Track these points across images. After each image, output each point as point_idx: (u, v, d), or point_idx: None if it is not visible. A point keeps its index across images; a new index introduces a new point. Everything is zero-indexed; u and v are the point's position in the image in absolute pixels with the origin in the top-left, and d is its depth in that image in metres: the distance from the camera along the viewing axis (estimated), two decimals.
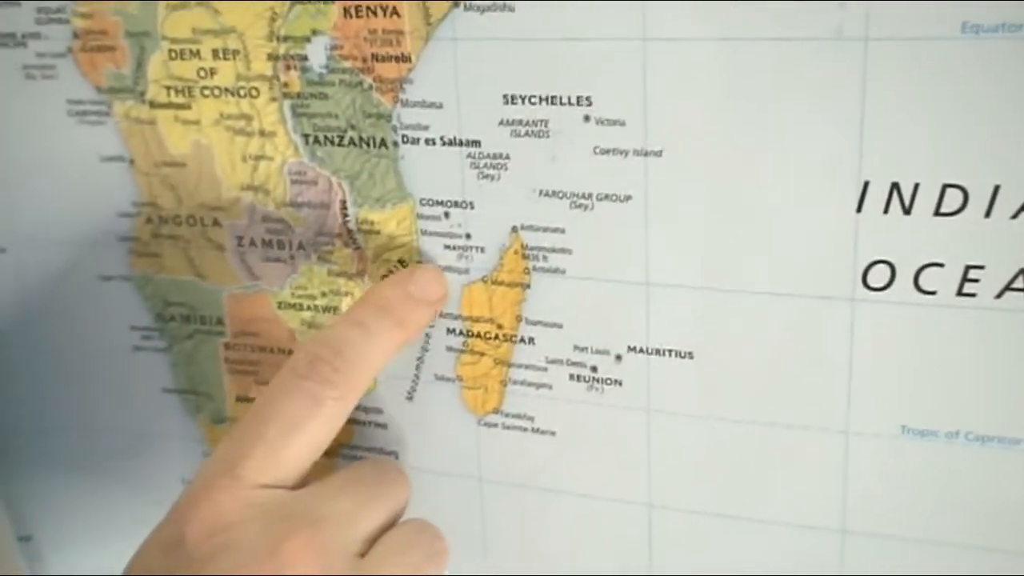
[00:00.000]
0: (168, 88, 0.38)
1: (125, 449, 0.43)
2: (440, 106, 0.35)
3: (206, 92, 0.38)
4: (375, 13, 0.35)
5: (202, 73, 0.37)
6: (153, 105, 0.38)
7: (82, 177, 0.39)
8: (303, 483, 0.34)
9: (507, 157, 0.34)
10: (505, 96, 0.34)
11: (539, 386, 0.37)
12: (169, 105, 0.38)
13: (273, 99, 0.37)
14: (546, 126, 0.34)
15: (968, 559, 0.32)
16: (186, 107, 0.38)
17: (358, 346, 0.34)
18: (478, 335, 0.37)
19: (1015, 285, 0.30)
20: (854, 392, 0.32)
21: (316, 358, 0.34)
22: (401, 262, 0.37)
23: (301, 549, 0.31)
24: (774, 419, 0.34)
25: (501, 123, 0.34)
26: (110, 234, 0.40)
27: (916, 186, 0.30)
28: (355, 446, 0.40)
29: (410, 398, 0.39)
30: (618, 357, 0.35)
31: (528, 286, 0.36)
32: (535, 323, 0.36)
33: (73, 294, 0.41)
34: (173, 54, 0.37)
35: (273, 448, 0.33)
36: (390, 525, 0.35)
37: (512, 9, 0.33)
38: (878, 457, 0.33)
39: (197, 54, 0.37)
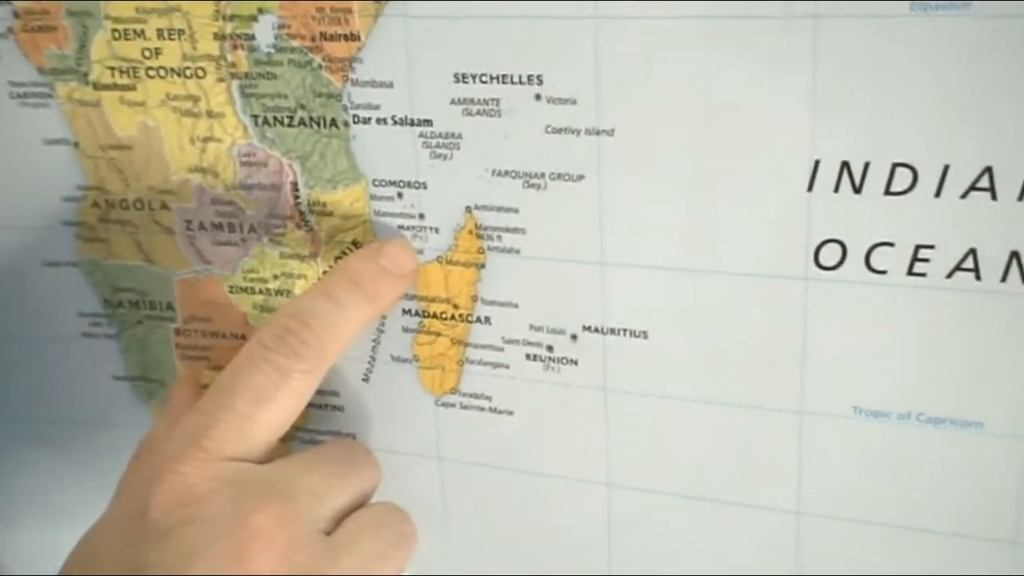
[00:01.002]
0: (112, 69, 0.37)
1: (76, 437, 0.42)
2: (391, 85, 0.34)
3: (151, 73, 0.37)
4: None
5: (147, 53, 0.37)
6: (97, 86, 0.37)
7: (25, 161, 0.39)
8: (268, 459, 0.34)
9: (459, 136, 0.34)
10: (456, 75, 0.33)
11: (496, 366, 0.36)
12: (114, 86, 0.37)
13: (221, 79, 0.36)
14: (497, 105, 0.33)
15: (923, 542, 0.32)
16: (131, 88, 0.37)
17: (327, 319, 0.34)
18: (434, 315, 0.37)
19: (965, 265, 0.30)
20: (807, 372, 0.32)
21: (284, 330, 0.34)
22: (355, 243, 0.37)
23: (270, 522, 0.31)
24: (728, 399, 0.34)
25: (453, 102, 0.34)
26: (55, 219, 0.39)
27: (866, 165, 0.30)
28: (312, 429, 0.40)
29: (367, 379, 0.38)
30: (574, 337, 0.35)
31: (483, 266, 0.35)
32: (491, 303, 0.36)
33: (19, 280, 0.40)
34: (117, 34, 0.37)
35: (240, 420, 0.33)
36: (358, 506, 0.35)
37: None
38: (831, 438, 0.33)
39: (142, 34, 0.36)
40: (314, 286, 0.35)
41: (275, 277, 0.38)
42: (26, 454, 0.43)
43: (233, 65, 0.36)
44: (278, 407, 0.33)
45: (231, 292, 0.39)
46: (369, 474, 0.36)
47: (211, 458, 0.32)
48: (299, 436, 0.40)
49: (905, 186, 0.30)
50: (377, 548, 0.34)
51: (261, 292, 0.39)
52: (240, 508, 0.31)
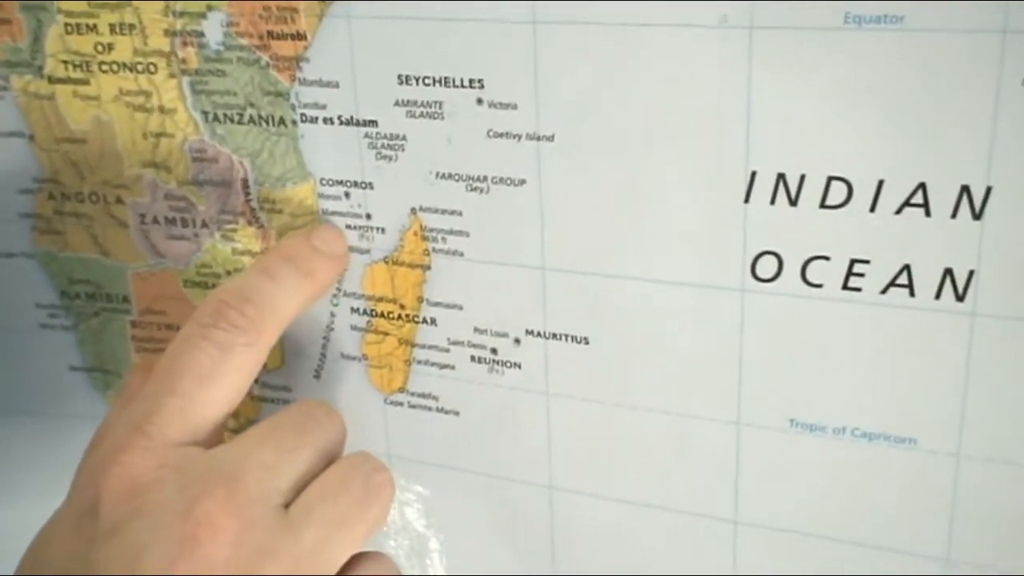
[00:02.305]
0: (66, 63, 0.37)
1: (32, 428, 0.43)
2: (337, 85, 0.34)
3: (104, 67, 0.37)
4: None
5: (100, 48, 0.37)
6: (52, 80, 0.37)
7: None
8: (219, 441, 0.33)
9: (404, 138, 0.34)
10: (400, 76, 0.33)
11: (442, 366, 0.36)
12: (68, 80, 0.37)
13: (172, 75, 0.36)
14: (440, 108, 0.33)
15: (856, 555, 0.32)
16: (85, 82, 0.37)
17: (265, 292, 0.33)
18: (381, 315, 0.37)
19: (899, 281, 0.29)
20: (744, 383, 0.32)
21: (222, 304, 0.33)
22: None
23: (217, 508, 0.30)
24: (667, 407, 0.33)
25: (397, 103, 0.34)
26: (11, 211, 0.39)
27: (802, 177, 0.29)
28: None
29: (317, 376, 0.38)
30: (517, 340, 0.35)
31: (428, 267, 0.35)
32: (436, 304, 0.36)
33: None
34: (70, 28, 0.37)
35: (183, 402, 0.32)
36: (324, 468, 0.33)
37: None
38: (768, 450, 0.32)
39: (94, 28, 0.36)
40: (249, 267, 0.35)
41: (227, 273, 0.38)
42: None
43: (183, 61, 0.36)
44: (222, 385, 0.32)
45: (185, 286, 0.39)
46: (330, 433, 0.34)
47: (155, 445, 0.31)
48: None
49: (840, 200, 0.29)
50: (340, 511, 0.32)
51: (214, 287, 0.39)
52: (186, 497, 0.30)
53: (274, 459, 0.32)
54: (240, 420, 0.40)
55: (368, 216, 0.36)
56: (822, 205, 0.29)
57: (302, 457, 0.32)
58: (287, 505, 0.31)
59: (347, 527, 0.32)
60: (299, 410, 0.34)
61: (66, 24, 0.37)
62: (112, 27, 0.36)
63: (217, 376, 0.32)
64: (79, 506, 0.32)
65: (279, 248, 0.35)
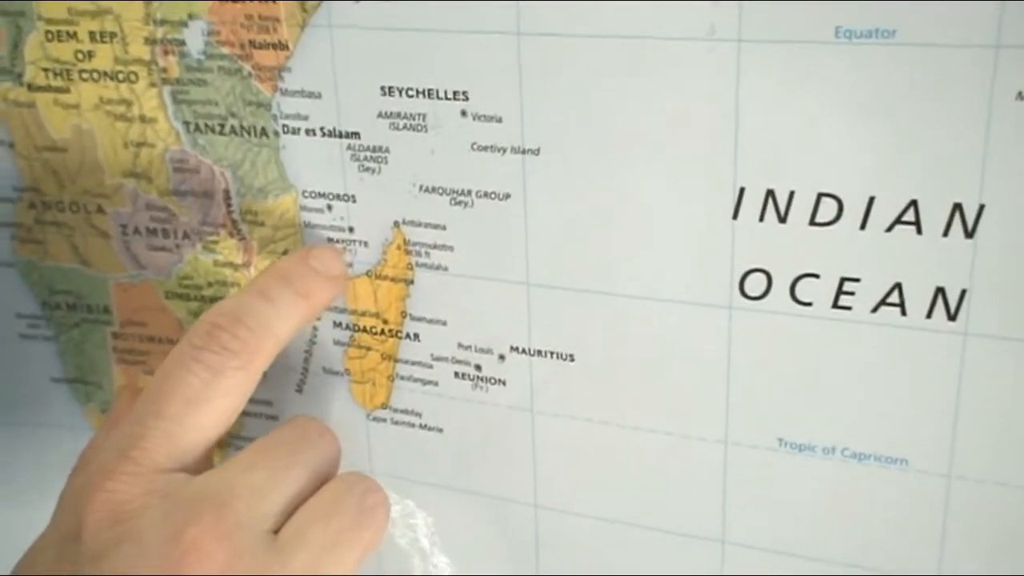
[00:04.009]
0: (46, 70, 0.36)
1: (13, 439, 0.42)
2: (319, 96, 0.34)
3: (85, 76, 0.36)
4: None
5: (80, 56, 0.36)
6: (32, 88, 0.37)
7: None
8: (208, 466, 0.32)
9: (387, 150, 0.33)
10: (383, 88, 0.33)
11: (426, 383, 0.36)
12: (48, 88, 0.37)
13: (152, 84, 0.35)
14: (424, 120, 0.32)
15: None
16: (65, 90, 0.37)
17: (259, 313, 0.32)
18: (364, 329, 0.36)
19: (890, 300, 0.29)
20: (732, 402, 0.31)
21: (214, 326, 0.32)
22: (286, 254, 0.36)
23: (204, 535, 0.29)
24: (654, 425, 0.33)
25: (380, 115, 0.33)
26: None
27: (791, 194, 0.29)
28: (246, 436, 0.39)
29: (300, 391, 0.38)
30: (501, 357, 0.34)
31: (412, 282, 0.35)
32: (419, 319, 0.35)
33: None
34: (50, 35, 0.36)
35: (172, 426, 0.31)
36: (316, 488, 0.32)
37: None
38: (756, 469, 0.32)
39: (74, 36, 0.36)
40: (245, 287, 0.34)
41: (209, 284, 0.38)
42: None
43: (164, 71, 0.35)
44: (212, 409, 0.31)
45: (167, 298, 0.39)
46: (323, 452, 0.33)
47: (141, 471, 0.30)
48: (233, 443, 0.39)
49: (830, 217, 0.29)
50: (331, 535, 0.31)
51: (196, 299, 0.38)
52: (173, 523, 0.29)
53: (264, 482, 0.31)
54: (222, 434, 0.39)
55: (351, 229, 0.35)
56: (812, 222, 0.29)
57: (293, 478, 0.32)
58: (278, 529, 0.31)
59: (339, 551, 0.31)
60: (292, 429, 0.34)
61: (46, 31, 0.36)
62: (92, 35, 0.35)
63: (207, 400, 0.31)
64: (63, 531, 0.31)
65: (275, 268, 0.34)
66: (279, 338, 0.33)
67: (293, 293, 0.34)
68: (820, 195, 0.28)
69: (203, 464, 0.32)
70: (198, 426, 0.31)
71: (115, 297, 0.39)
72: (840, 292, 0.29)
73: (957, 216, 0.27)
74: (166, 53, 0.35)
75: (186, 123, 0.36)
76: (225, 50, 0.34)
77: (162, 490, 0.30)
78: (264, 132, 0.35)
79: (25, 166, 0.38)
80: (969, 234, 0.27)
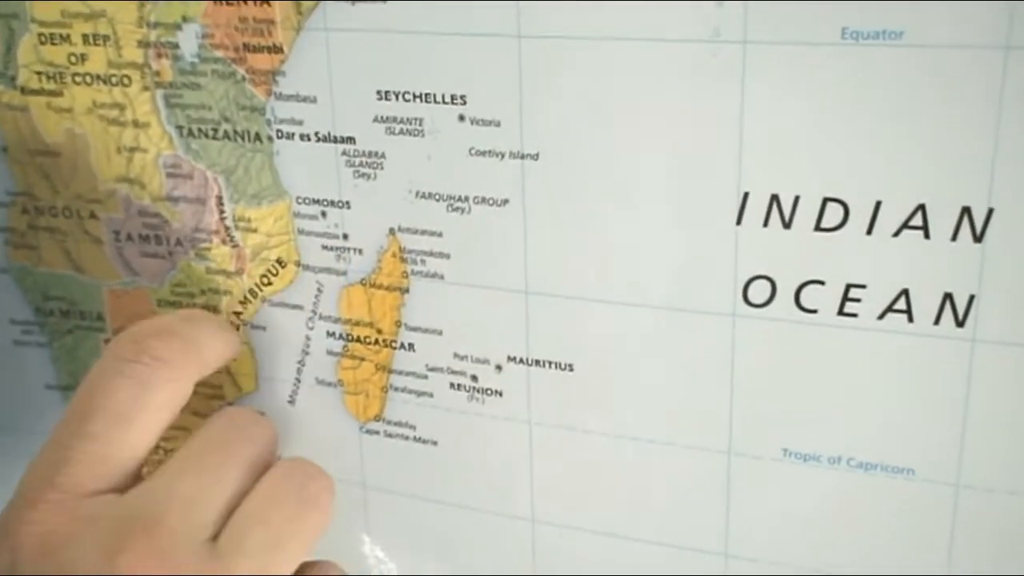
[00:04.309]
0: (39, 74, 0.36)
1: (6, 446, 0.41)
2: (314, 100, 0.33)
3: (78, 79, 0.36)
4: (245, 1, 0.33)
5: (73, 59, 0.35)
6: (25, 91, 0.36)
7: None
8: (139, 481, 0.31)
9: (382, 156, 0.33)
10: (379, 92, 0.32)
11: (420, 394, 0.35)
12: (41, 91, 0.36)
13: (145, 88, 0.35)
14: (421, 124, 0.32)
15: None
16: (59, 94, 0.36)
17: (189, 329, 0.32)
18: (358, 339, 0.35)
19: (897, 306, 0.28)
20: (735, 412, 0.31)
21: (142, 336, 0.31)
22: (279, 262, 0.35)
23: (138, 560, 0.28)
24: (655, 436, 0.32)
25: (376, 120, 0.32)
26: None
27: (796, 199, 0.28)
28: None
29: (292, 402, 0.37)
30: (498, 367, 0.34)
31: (407, 290, 0.34)
32: (415, 329, 0.34)
33: None
34: (43, 38, 0.35)
35: (98, 447, 0.29)
36: (256, 481, 0.31)
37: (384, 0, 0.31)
38: (760, 480, 0.31)
39: (68, 39, 0.35)
40: (170, 313, 0.34)
41: (202, 292, 0.37)
42: None
43: (158, 74, 0.35)
44: (141, 424, 0.30)
45: (160, 305, 0.38)
46: (257, 443, 0.32)
47: (66, 498, 0.29)
48: None
49: (836, 222, 0.28)
50: (274, 532, 0.30)
51: (189, 307, 0.37)
52: (104, 551, 0.28)
53: (195, 490, 0.30)
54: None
55: (345, 236, 0.34)
56: (817, 228, 0.28)
57: (226, 480, 0.30)
58: (218, 534, 0.29)
59: (283, 548, 0.30)
60: (220, 423, 0.32)
61: (39, 34, 0.35)
62: (86, 37, 0.35)
63: (136, 415, 0.30)
64: (2, 562, 0.29)
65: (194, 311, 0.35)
66: (211, 355, 0.32)
67: (215, 325, 0.34)
68: (826, 200, 0.28)
69: (133, 480, 0.31)
70: (127, 444, 0.30)
71: (108, 304, 0.38)
72: (846, 299, 0.29)
73: (966, 220, 0.27)
74: (159, 56, 0.34)
75: (179, 127, 0.35)
76: (219, 53, 0.34)
77: (89, 515, 0.29)
78: (258, 137, 0.34)
79: (19, 170, 0.37)
80: (978, 238, 0.27)
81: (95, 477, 0.29)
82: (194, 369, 0.31)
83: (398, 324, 0.34)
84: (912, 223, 0.27)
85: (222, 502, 0.30)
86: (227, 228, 0.36)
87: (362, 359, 0.35)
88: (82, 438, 0.30)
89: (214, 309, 0.37)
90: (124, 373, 0.30)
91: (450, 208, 0.32)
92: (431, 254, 0.33)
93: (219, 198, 0.35)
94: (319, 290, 0.35)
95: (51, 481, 0.29)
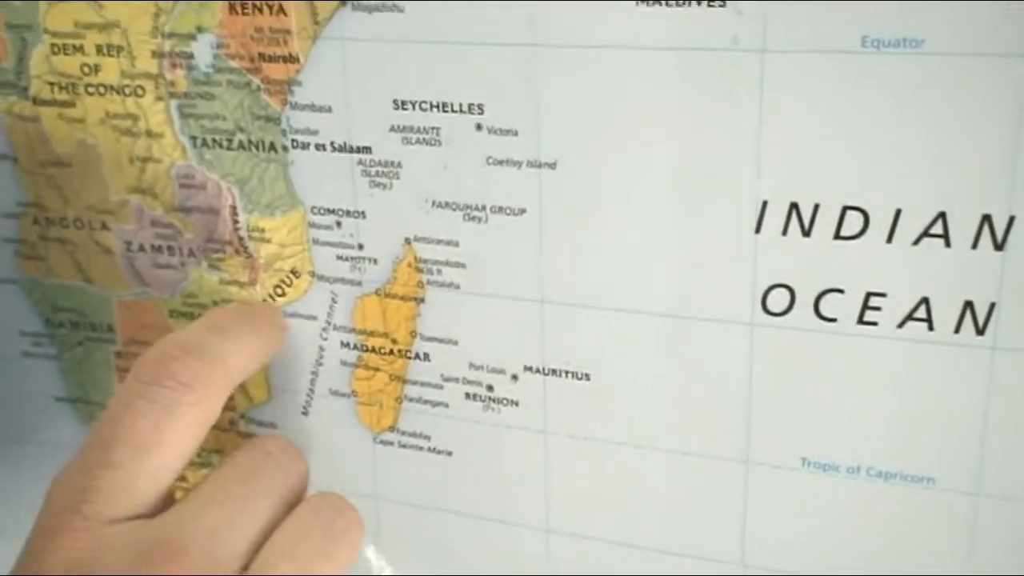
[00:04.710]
0: (52, 84, 0.36)
1: (15, 458, 0.41)
2: (329, 110, 0.33)
3: (91, 90, 0.36)
4: (261, 10, 0.33)
5: (86, 69, 0.35)
6: (37, 101, 0.36)
7: None
8: (168, 503, 0.30)
9: (398, 165, 0.33)
10: (395, 101, 0.32)
11: (435, 404, 0.35)
12: (53, 102, 0.36)
13: (159, 98, 0.35)
14: (438, 134, 0.32)
15: None
16: (71, 105, 0.36)
17: (215, 345, 0.31)
18: (372, 350, 0.35)
19: (917, 315, 0.28)
20: (753, 421, 0.31)
21: (165, 357, 0.30)
22: (294, 272, 0.35)
23: None
24: (672, 446, 0.32)
25: (392, 129, 0.32)
26: None
27: (816, 207, 0.28)
28: None
29: (305, 412, 0.37)
30: (514, 377, 0.33)
31: (422, 300, 0.34)
32: (430, 339, 0.34)
33: None
34: (56, 48, 0.35)
35: (121, 475, 0.29)
36: (287, 512, 0.31)
37: (401, 10, 0.31)
38: (778, 490, 0.31)
39: (81, 49, 0.35)
40: (194, 322, 0.33)
41: (214, 303, 0.37)
42: None
43: (172, 84, 0.35)
44: (164, 451, 0.29)
45: (171, 317, 0.38)
46: (289, 474, 0.32)
47: (92, 525, 0.29)
48: None
49: (856, 230, 0.28)
50: (302, 567, 0.29)
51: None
52: None
53: (224, 521, 0.29)
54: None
55: (360, 246, 0.34)
56: (837, 236, 0.28)
57: (258, 509, 0.30)
58: (247, 565, 0.29)
59: None
60: (250, 453, 0.32)
61: (52, 44, 0.35)
62: (99, 48, 0.35)
63: (159, 442, 0.29)
64: None
65: (229, 306, 0.34)
66: (235, 372, 0.31)
67: (249, 326, 0.33)
68: (845, 208, 0.28)
69: (161, 505, 0.30)
70: (150, 471, 0.30)
71: (119, 315, 0.38)
72: (866, 307, 0.28)
73: (986, 228, 0.27)
74: (174, 66, 0.34)
75: (193, 138, 0.35)
76: (234, 63, 0.34)
77: (113, 543, 0.29)
78: (272, 147, 0.34)
79: (29, 181, 0.37)
80: (999, 246, 0.27)
81: (119, 505, 0.29)
82: (220, 389, 0.31)
83: (413, 334, 0.34)
84: (932, 231, 0.27)
85: (251, 534, 0.30)
86: (240, 238, 0.36)
87: (376, 369, 0.35)
88: (105, 467, 0.29)
89: None
90: (146, 397, 0.30)
91: (466, 217, 0.32)
92: (447, 264, 0.33)
93: (233, 208, 0.35)
94: (333, 300, 0.35)
95: (76, 509, 0.29)
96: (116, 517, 0.29)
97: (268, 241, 0.35)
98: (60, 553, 0.28)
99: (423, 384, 0.35)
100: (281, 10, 0.32)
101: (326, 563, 0.30)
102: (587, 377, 0.32)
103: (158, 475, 0.30)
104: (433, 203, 0.33)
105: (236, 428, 0.38)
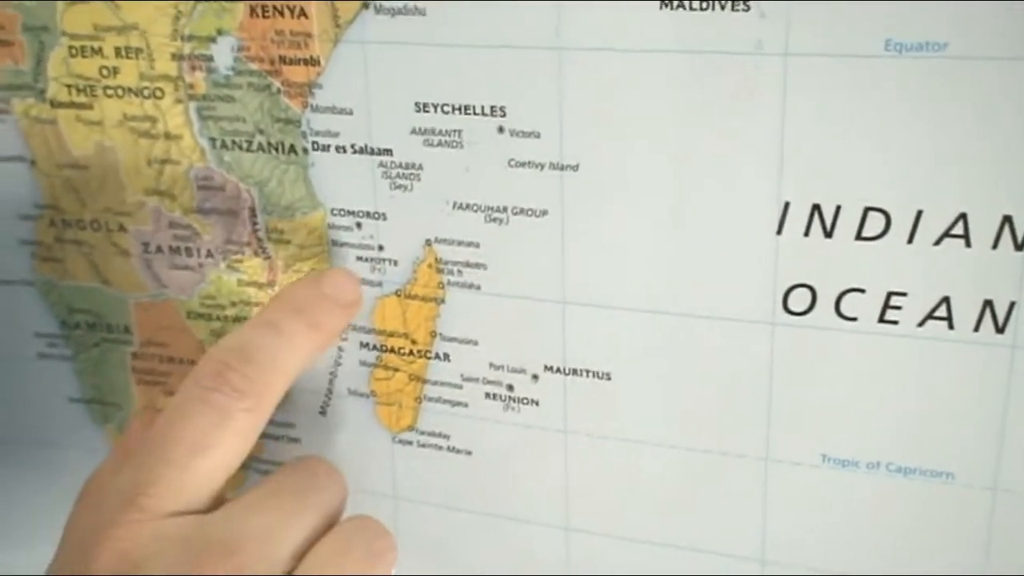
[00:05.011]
0: (70, 87, 0.36)
1: (30, 459, 0.41)
2: (350, 112, 0.33)
3: (109, 92, 0.36)
4: (282, 13, 0.33)
5: (104, 72, 0.35)
6: (54, 104, 0.36)
7: None
8: (218, 503, 0.32)
9: (420, 167, 0.33)
10: (417, 104, 0.32)
11: (455, 404, 0.35)
12: (71, 104, 0.36)
13: (178, 101, 0.35)
14: (459, 136, 0.32)
15: None
16: (88, 107, 0.36)
17: (269, 350, 0.32)
18: (392, 350, 0.35)
19: (938, 314, 0.28)
20: (774, 419, 0.31)
21: (223, 365, 0.31)
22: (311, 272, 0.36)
23: None
24: (692, 444, 0.32)
25: (413, 132, 0.33)
26: (11, 237, 0.38)
27: (838, 208, 0.29)
28: (267, 460, 0.38)
29: (323, 413, 0.37)
30: (535, 376, 0.34)
31: (443, 301, 0.34)
32: (450, 339, 0.34)
33: None
34: (74, 51, 0.36)
35: (180, 472, 0.30)
36: (325, 530, 0.32)
37: (423, 12, 0.31)
38: (798, 486, 0.31)
39: (99, 51, 0.35)
40: (254, 317, 0.34)
41: (232, 304, 0.37)
42: None
43: (191, 87, 0.35)
44: (220, 452, 0.31)
45: (188, 318, 0.38)
46: (331, 495, 0.33)
47: (150, 517, 0.30)
48: (254, 466, 0.39)
49: (877, 231, 0.28)
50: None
51: (218, 319, 0.37)
52: (187, 569, 0.29)
53: (275, 526, 0.31)
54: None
55: (380, 248, 0.34)
56: (858, 236, 0.29)
57: (304, 522, 0.31)
58: (289, 573, 0.30)
59: None
60: (299, 471, 0.33)
61: (70, 47, 0.35)
62: (118, 51, 0.35)
63: (214, 445, 0.31)
64: (72, 572, 0.30)
65: (286, 296, 0.34)
66: (289, 373, 0.32)
67: (305, 325, 0.33)
68: (867, 209, 0.28)
69: (213, 503, 0.31)
70: (206, 470, 0.31)
71: (135, 317, 0.38)
72: (887, 307, 0.29)
73: (1007, 229, 0.27)
74: (193, 69, 0.34)
75: (212, 140, 0.35)
76: (254, 66, 0.34)
77: (170, 535, 0.30)
78: (292, 149, 0.34)
79: (46, 183, 0.37)
80: (1019, 247, 0.27)
81: (176, 500, 0.30)
82: (273, 393, 0.32)
83: (433, 335, 0.35)
84: (953, 232, 0.28)
85: (296, 543, 0.31)
86: (259, 240, 0.36)
87: (396, 370, 0.35)
88: (163, 463, 0.30)
89: (244, 322, 0.37)
90: (205, 400, 0.31)
91: (488, 219, 0.33)
92: (468, 265, 0.33)
93: (252, 210, 0.35)
94: None
95: (133, 501, 0.30)
96: (172, 510, 0.30)
97: (287, 242, 0.35)
98: (116, 544, 0.29)
99: (443, 384, 0.35)
100: (302, 13, 0.32)
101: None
102: (608, 377, 0.33)
103: (212, 475, 0.31)
104: (455, 205, 0.33)
105: None
